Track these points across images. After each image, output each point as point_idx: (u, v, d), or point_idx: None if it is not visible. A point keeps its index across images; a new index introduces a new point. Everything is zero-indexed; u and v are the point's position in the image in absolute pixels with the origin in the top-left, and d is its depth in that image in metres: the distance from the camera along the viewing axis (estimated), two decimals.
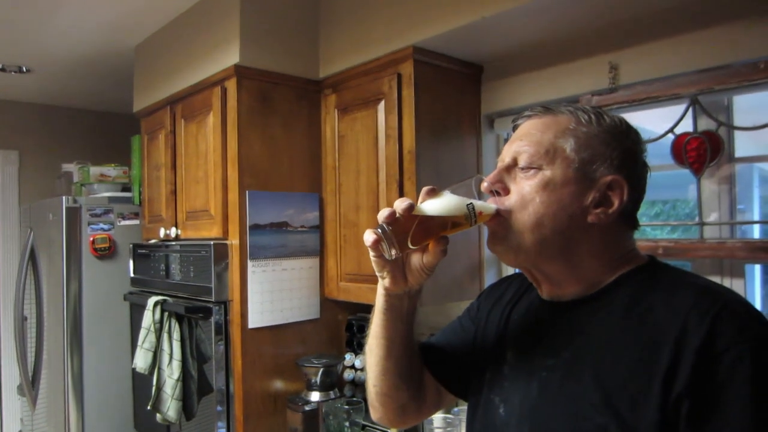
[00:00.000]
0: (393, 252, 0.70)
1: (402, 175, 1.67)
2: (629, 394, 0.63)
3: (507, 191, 0.75)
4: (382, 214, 0.70)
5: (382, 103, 1.73)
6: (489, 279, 1.82)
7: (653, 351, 0.63)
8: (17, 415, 3.08)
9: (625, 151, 0.74)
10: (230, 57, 1.82)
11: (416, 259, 0.75)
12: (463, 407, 1.62)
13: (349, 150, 1.86)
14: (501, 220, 0.74)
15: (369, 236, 0.71)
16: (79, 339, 2.32)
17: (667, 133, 1.39)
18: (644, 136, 0.80)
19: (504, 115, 1.83)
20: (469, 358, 0.89)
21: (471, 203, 0.72)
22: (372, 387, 0.89)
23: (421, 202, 0.73)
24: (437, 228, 0.72)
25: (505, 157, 0.77)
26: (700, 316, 0.62)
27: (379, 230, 0.70)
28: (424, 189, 0.74)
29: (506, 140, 1.90)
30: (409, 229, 0.70)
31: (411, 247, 0.71)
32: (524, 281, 0.85)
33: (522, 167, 0.74)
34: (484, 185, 0.75)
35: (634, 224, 0.77)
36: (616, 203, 0.72)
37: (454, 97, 1.77)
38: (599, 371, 0.67)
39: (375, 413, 0.92)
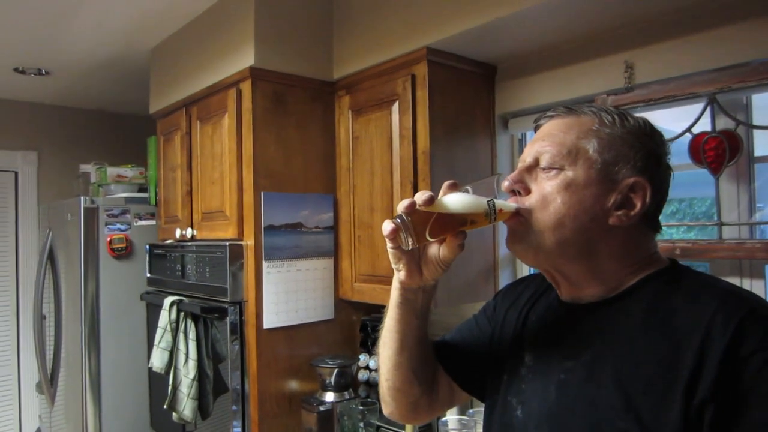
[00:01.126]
0: (410, 242, 0.70)
1: (416, 176, 1.68)
2: (651, 398, 0.63)
3: (528, 191, 0.75)
4: (402, 204, 0.70)
5: (396, 104, 1.73)
6: (504, 280, 1.81)
7: (675, 355, 0.62)
8: (36, 412, 3.13)
9: (649, 153, 0.73)
10: (245, 59, 1.83)
11: (433, 253, 0.74)
12: (478, 409, 1.62)
13: (363, 151, 1.87)
14: (521, 219, 0.73)
15: (387, 225, 0.70)
16: (97, 338, 2.36)
17: (684, 132, 1.38)
18: None
19: (518, 115, 1.82)
20: (484, 356, 0.88)
21: (492, 200, 0.71)
22: (384, 381, 0.89)
23: (442, 196, 0.73)
24: (456, 222, 0.71)
25: (527, 157, 0.76)
26: (725, 321, 0.61)
27: (398, 220, 0.70)
28: (446, 183, 0.73)
29: (521, 141, 1.90)
30: (428, 221, 0.69)
31: (429, 239, 0.71)
32: (542, 282, 0.85)
33: (544, 167, 0.74)
34: (505, 184, 0.75)
35: (656, 227, 0.76)
36: (639, 205, 0.71)
37: (468, 98, 1.77)
38: (620, 375, 0.66)
39: (386, 408, 0.92)
